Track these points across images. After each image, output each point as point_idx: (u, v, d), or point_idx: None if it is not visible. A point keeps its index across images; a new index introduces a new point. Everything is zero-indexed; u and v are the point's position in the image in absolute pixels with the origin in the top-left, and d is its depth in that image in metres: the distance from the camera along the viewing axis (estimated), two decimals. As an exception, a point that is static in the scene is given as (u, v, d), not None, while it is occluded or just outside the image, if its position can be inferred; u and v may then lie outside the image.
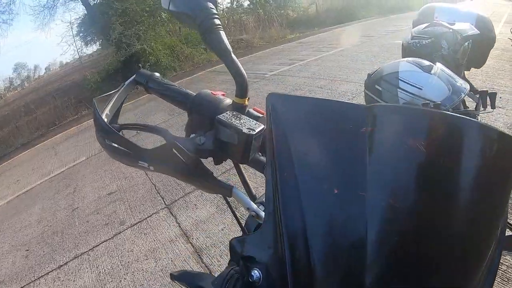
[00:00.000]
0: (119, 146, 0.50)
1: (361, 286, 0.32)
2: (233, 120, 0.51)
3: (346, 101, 0.41)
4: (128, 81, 0.61)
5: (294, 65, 6.79)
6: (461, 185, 0.36)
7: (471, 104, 1.30)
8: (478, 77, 4.25)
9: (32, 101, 9.21)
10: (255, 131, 0.49)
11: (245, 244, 0.40)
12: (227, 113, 0.52)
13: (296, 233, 0.34)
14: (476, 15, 1.93)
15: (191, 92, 0.61)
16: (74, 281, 2.22)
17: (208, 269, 2.02)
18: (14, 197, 4.07)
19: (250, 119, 0.53)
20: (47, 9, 12.03)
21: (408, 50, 1.67)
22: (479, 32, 1.73)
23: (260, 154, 0.56)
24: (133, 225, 2.65)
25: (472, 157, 0.36)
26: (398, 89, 1.00)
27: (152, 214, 2.74)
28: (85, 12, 11.40)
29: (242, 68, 0.54)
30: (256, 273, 0.36)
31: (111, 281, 2.12)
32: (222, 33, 0.54)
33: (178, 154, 0.47)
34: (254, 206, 0.52)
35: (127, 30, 9.49)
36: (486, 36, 1.96)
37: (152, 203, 2.92)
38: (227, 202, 0.62)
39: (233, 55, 0.54)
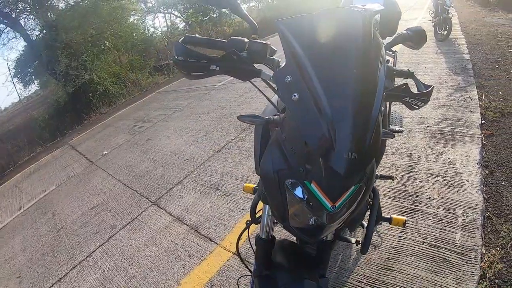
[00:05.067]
0: (196, 60, 0.80)
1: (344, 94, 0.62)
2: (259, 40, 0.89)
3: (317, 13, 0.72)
4: (180, 39, 0.88)
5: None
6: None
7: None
8: (405, 55, 4.91)
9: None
10: (270, 43, 0.88)
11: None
12: (254, 39, 0.89)
13: (306, 75, 0.65)
14: None
15: (223, 39, 0.91)
16: (79, 286, 2.29)
17: (208, 237, 2.23)
18: (-15, 239, 3.87)
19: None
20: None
21: None
22: (384, 7, 2.21)
23: (272, 57, 0.89)
24: (125, 226, 2.76)
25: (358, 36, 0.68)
26: None
27: (141, 212, 2.87)
28: (23, 51, 11.10)
29: (251, 18, 0.90)
30: (295, 95, 0.65)
31: (118, 274, 2.23)
32: (238, 4, 0.91)
33: (234, 57, 0.80)
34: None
35: (73, 62, 9.47)
36: (393, 11, 2.50)
37: (138, 204, 3.04)
38: (256, 87, 0.95)
39: (245, 11, 0.91)
